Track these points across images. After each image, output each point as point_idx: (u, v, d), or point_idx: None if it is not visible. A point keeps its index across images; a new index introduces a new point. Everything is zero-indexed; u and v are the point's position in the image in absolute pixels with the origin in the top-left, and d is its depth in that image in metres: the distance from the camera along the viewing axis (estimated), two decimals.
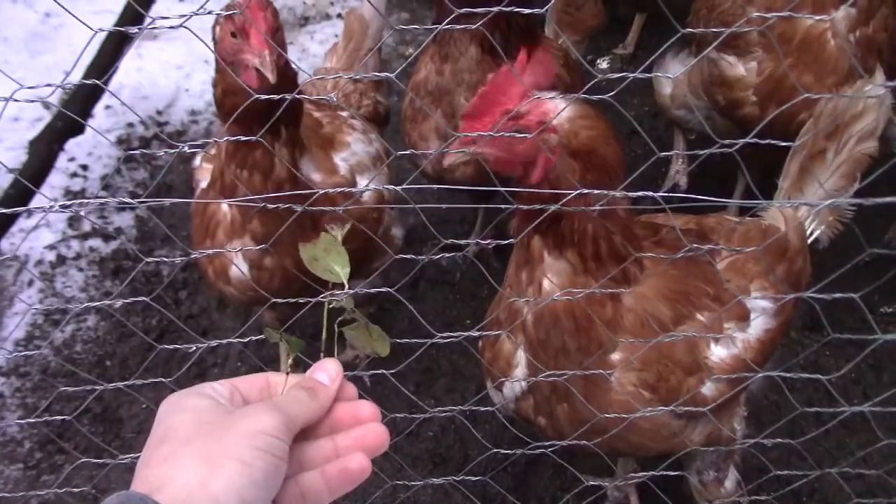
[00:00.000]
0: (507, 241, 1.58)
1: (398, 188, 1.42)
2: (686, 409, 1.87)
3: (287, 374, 1.15)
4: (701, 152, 1.37)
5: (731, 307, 1.97)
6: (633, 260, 1.82)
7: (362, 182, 2.32)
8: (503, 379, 2.01)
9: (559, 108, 1.63)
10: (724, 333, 1.96)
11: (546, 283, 1.83)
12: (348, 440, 1.10)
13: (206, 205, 2.27)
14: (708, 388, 1.94)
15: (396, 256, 1.54)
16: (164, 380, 1.64)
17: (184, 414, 1.00)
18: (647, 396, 1.89)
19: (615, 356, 1.89)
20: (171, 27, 1.15)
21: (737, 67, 2.86)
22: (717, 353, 1.96)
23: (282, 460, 1.00)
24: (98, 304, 1.50)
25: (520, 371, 1.98)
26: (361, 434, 1.11)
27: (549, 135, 1.63)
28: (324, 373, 1.13)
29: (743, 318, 2.00)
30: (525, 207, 1.69)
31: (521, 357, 1.97)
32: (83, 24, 1.32)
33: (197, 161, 2.59)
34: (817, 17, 2.63)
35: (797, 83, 2.67)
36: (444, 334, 1.54)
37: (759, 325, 2.02)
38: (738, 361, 1.96)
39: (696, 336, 1.91)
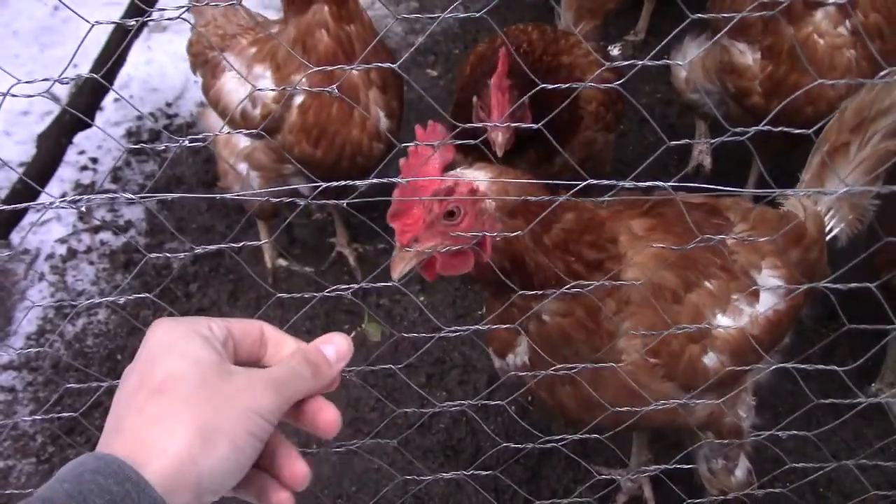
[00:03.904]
0: (514, 234, 1.56)
1: (404, 180, 1.40)
2: (689, 378, 1.85)
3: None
4: (713, 140, 1.35)
5: (741, 279, 1.95)
6: (610, 257, 1.80)
7: None
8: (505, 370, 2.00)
9: (478, 175, 1.58)
10: (731, 304, 1.94)
11: (546, 317, 1.81)
12: (284, 459, 1.03)
13: None
14: (710, 359, 1.92)
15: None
16: None
17: (185, 364, 0.94)
18: (651, 362, 1.86)
19: (622, 339, 1.86)
20: (169, 19, 1.13)
21: (746, 56, 2.85)
22: (723, 322, 1.93)
23: (264, 444, 0.96)
24: (102, 300, 1.49)
25: (521, 349, 1.95)
26: (288, 465, 1.03)
27: (484, 203, 1.56)
28: (332, 347, 1.07)
29: (752, 292, 1.98)
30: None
31: (522, 341, 1.94)
32: (80, 17, 1.30)
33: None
34: None
35: (799, 84, 2.67)
36: (452, 328, 1.51)
37: (767, 302, 1.99)
38: (743, 335, 1.93)
39: (700, 304, 1.90)
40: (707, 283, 1.93)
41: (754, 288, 1.99)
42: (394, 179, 1.33)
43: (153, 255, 1.35)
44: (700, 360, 1.92)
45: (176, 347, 0.96)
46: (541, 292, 1.60)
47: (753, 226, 2.06)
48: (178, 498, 0.87)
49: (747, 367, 1.98)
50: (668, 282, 1.89)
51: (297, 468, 1.03)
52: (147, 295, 1.46)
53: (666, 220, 1.95)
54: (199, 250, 1.28)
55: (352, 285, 1.29)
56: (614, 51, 4.36)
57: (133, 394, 0.93)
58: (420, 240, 1.52)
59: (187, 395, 0.92)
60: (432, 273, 1.59)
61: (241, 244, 1.35)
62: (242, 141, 2.95)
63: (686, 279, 1.91)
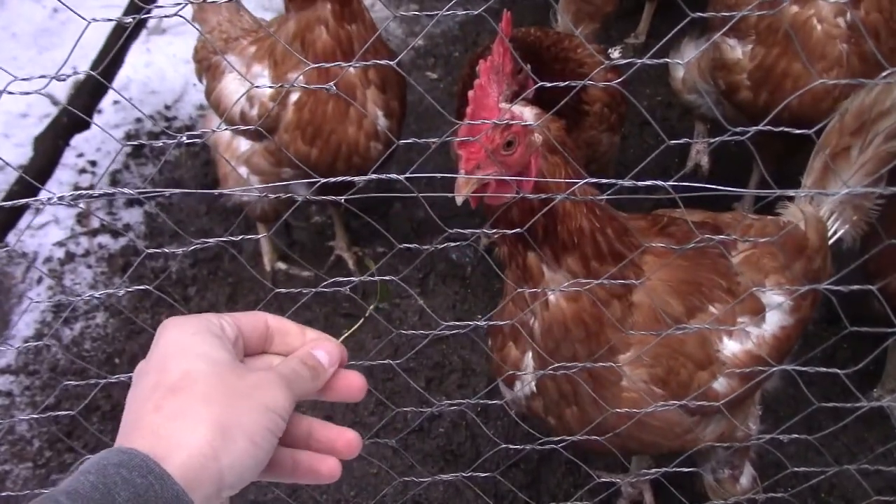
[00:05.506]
0: (513, 231, 1.55)
1: (403, 177, 1.39)
2: (699, 405, 1.84)
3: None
4: (713, 140, 1.34)
5: (746, 301, 1.93)
6: (635, 252, 1.80)
7: None
8: (513, 372, 1.99)
9: (525, 112, 1.69)
10: (738, 327, 1.92)
11: (552, 297, 1.82)
12: (325, 434, 1.08)
13: None
14: (720, 384, 1.91)
15: (401, 246, 1.51)
16: None
17: (201, 364, 0.95)
18: (659, 392, 1.85)
19: (625, 355, 1.86)
20: (165, 16, 1.12)
21: (735, 50, 2.87)
22: (730, 347, 1.92)
23: (279, 439, 0.98)
24: (101, 293, 1.48)
25: (528, 376, 1.97)
26: (335, 436, 1.08)
27: (532, 136, 1.68)
28: (323, 352, 1.08)
29: (757, 312, 1.96)
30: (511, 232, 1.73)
31: (528, 361, 1.95)
32: (78, 16, 1.29)
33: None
34: None
35: (787, 71, 2.68)
36: (450, 323, 1.52)
37: (774, 321, 1.98)
38: (751, 357, 1.92)
39: (707, 329, 1.88)
40: (712, 308, 1.91)
41: (760, 306, 1.97)
42: (392, 176, 1.32)
43: (151, 250, 1.34)
44: (710, 388, 1.90)
45: (190, 346, 0.97)
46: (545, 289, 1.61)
47: (754, 243, 2.04)
48: (199, 492, 0.88)
49: (759, 383, 1.97)
50: (673, 309, 1.87)
51: (349, 435, 1.09)
52: (147, 287, 1.44)
53: (676, 241, 1.93)
54: (196, 244, 1.27)
55: (350, 279, 1.28)
56: (615, 53, 4.35)
57: (150, 392, 0.94)
58: (481, 167, 1.65)
59: (205, 393, 0.93)
60: (477, 199, 1.72)
61: (240, 237, 1.35)
62: (243, 145, 2.95)
63: (691, 305, 1.90)
